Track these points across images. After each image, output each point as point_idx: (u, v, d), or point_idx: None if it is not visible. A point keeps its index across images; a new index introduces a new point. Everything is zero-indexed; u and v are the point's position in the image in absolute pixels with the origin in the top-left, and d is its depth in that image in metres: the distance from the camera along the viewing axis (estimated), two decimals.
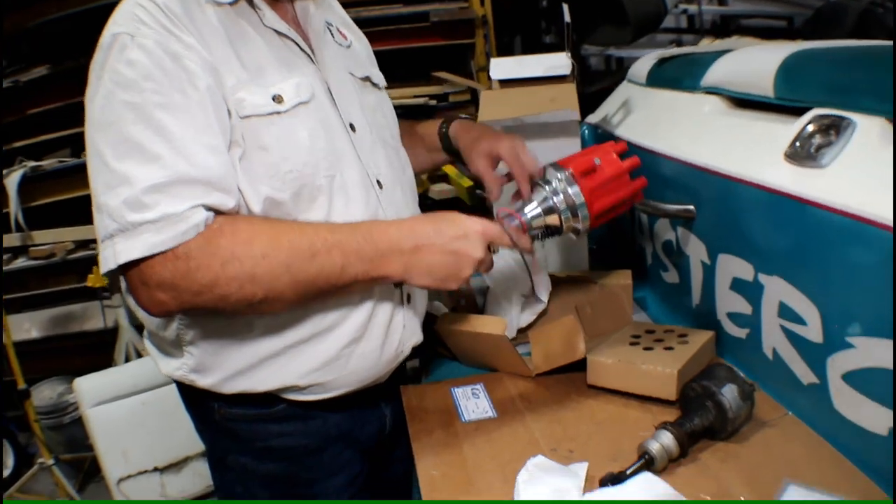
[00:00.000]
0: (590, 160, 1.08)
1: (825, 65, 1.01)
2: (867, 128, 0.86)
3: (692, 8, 3.49)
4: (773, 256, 0.98)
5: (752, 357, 1.05)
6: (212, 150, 0.84)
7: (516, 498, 0.85)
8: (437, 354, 1.34)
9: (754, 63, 1.14)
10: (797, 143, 0.94)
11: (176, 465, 2.14)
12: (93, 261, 2.55)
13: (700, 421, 0.93)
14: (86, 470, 2.69)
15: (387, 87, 1.24)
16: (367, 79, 1.15)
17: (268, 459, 1.04)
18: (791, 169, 0.94)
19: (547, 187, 1.07)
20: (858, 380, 0.84)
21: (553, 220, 1.07)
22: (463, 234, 0.94)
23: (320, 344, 0.99)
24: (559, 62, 1.55)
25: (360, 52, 1.19)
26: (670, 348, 1.10)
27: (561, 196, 1.06)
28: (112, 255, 0.82)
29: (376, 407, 1.15)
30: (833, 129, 0.90)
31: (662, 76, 1.49)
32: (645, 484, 0.82)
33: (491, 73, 1.60)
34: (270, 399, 1.01)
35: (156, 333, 1.02)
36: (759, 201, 0.99)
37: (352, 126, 1.02)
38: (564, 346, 1.16)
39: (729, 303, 1.12)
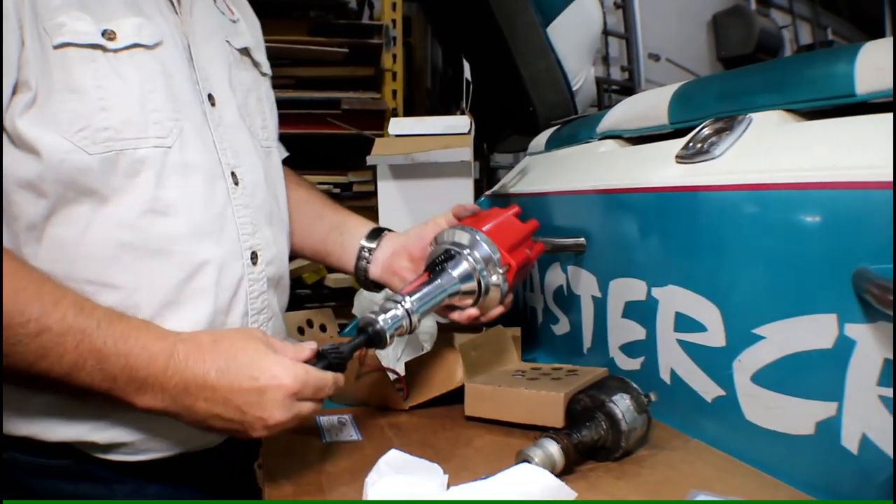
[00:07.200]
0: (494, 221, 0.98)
1: (716, 82, 1.01)
2: (764, 119, 0.84)
3: None
4: (665, 264, 0.92)
5: (649, 387, 0.94)
6: None
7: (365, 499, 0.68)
8: None
9: (648, 100, 1.13)
10: (689, 145, 0.91)
11: None
12: None
13: (589, 433, 0.81)
14: None
15: None
16: (246, 51, 0.95)
17: None
18: (682, 168, 0.89)
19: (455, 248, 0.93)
20: (772, 376, 0.75)
21: (470, 287, 0.93)
22: (257, 388, 0.69)
23: None
24: (459, 122, 1.54)
25: (245, 31, 0.98)
26: (558, 379, 0.99)
27: (477, 255, 0.91)
28: None
29: (211, 478, 0.89)
30: (727, 128, 0.88)
31: (560, 137, 1.49)
32: (526, 474, 0.66)
33: (390, 129, 1.56)
34: (66, 449, 0.76)
35: None
36: (649, 206, 0.94)
37: (210, 98, 0.82)
38: (441, 374, 1.03)
39: (622, 333, 1.03)
